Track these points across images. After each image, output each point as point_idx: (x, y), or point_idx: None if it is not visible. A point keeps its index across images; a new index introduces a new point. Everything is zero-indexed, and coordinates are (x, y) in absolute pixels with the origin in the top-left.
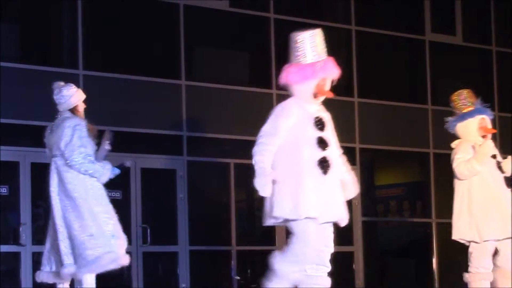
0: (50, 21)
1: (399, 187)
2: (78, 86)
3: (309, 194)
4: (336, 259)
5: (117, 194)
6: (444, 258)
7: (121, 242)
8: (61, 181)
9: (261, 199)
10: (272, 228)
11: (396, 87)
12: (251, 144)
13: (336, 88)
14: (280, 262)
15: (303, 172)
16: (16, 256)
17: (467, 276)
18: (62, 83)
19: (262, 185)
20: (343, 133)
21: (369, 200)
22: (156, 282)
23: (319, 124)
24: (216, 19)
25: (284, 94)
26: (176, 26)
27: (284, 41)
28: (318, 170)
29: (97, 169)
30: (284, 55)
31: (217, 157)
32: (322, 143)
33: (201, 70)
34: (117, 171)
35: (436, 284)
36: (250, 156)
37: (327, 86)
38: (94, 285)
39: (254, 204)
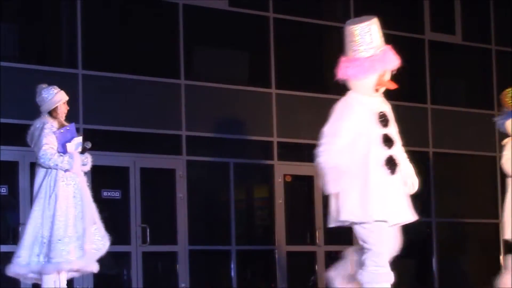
0: (49, 20)
1: None
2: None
3: (377, 196)
4: (336, 258)
5: (117, 194)
6: (444, 258)
7: (67, 248)
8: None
9: (261, 199)
10: (271, 228)
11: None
12: (250, 143)
13: (336, 87)
14: (363, 276)
15: (370, 173)
16: (8, 256)
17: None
18: (44, 86)
19: (332, 181)
20: None
21: None
22: (156, 282)
23: (383, 120)
24: (216, 19)
25: (284, 93)
26: (175, 25)
27: (284, 41)
28: (385, 170)
29: (66, 161)
30: (283, 54)
31: (217, 157)
32: (388, 141)
33: (200, 69)
34: (83, 157)
35: (436, 284)
36: (249, 156)
37: (387, 77)
38: (51, 285)
39: (254, 204)
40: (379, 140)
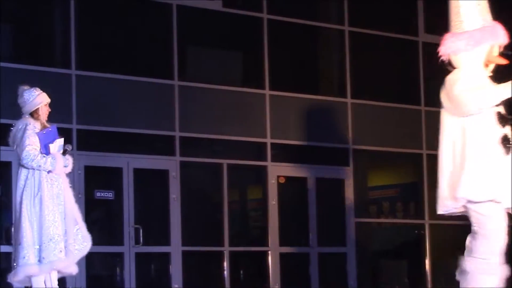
0: (42, 20)
1: (393, 188)
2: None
3: (493, 175)
4: (329, 259)
5: (110, 195)
6: (437, 259)
7: (59, 246)
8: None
9: (254, 200)
10: (265, 229)
11: (389, 88)
12: (244, 144)
13: (329, 89)
14: (471, 263)
15: (484, 151)
16: (8, 256)
17: None
18: (26, 87)
19: (475, 99)
20: (336, 134)
21: (362, 201)
22: (149, 282)
23: None
24: (209, 19)
25: (277, 94)
26: (169, 26)
27: (277, 42)
28: (499, 149)
29: (49, 162)
30: (277, 55)
31: (210, 158)
32: (503, 119)
33: (194, 70)
34: (64, 158)
35: (429, 285)
36: (243, 157)
37: (496, 52)
38: (42, 285)
39: (247, 205)
40: (493, 117)
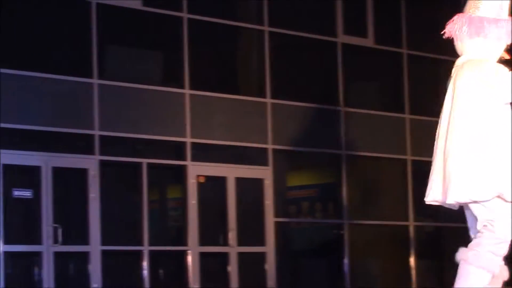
0: None
1: (312, 188)
2: None
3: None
4: (248, 259)
5: (28, 193)
6: (355, 259)
7: None
8: None
9: (174, 200)
10: (184, 229)
11: (309, 89)
12: (163, 144)
13: (249, 89)
14: (473, 254)
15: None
16: None
17: None
18: None
19: None
20: (256, 134)
21: (281, 201)
22: (67, 282)
23: None
24: (129, 18)
25: (197, 94)
26: (88, 24)
27: (197, 41)
28: None
29: None
30: (197, 55)
31: (130, 157)
32: None
33: (113, 68)
34: None
35: (347, 285)
36: (162, 156)
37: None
38: None
39: (167, 204)
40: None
